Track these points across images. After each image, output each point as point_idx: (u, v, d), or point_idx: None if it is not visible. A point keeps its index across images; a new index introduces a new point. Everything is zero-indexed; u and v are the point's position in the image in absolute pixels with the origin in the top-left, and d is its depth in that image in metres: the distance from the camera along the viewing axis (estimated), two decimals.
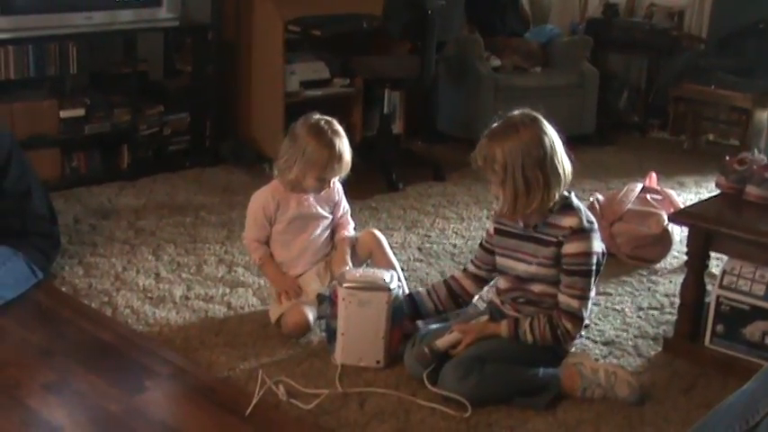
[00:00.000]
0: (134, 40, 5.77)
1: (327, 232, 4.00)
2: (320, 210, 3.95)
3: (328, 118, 3.89)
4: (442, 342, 3.44)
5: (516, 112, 3.36)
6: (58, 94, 5.53)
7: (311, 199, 3.92)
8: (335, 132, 3.83)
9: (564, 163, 3.32)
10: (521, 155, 3.24)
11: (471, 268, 3.67)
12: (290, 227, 3.91)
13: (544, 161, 3.26)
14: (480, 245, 3.67)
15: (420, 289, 3.88)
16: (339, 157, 3.78)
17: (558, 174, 3.29)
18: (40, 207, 4.30)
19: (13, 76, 5.30)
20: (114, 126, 5.71)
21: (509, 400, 3.31)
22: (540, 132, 3.29)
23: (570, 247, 3.33)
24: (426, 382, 3.36)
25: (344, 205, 4.06)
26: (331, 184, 3.88)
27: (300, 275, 3.92)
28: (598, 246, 3.37)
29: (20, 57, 5.28)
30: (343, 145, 3.81)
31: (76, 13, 5.37)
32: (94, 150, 5.70)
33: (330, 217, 4.01)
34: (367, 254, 3.96)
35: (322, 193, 3.92)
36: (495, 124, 3.36)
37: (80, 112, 5.55)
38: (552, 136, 3.31)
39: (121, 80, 5.83)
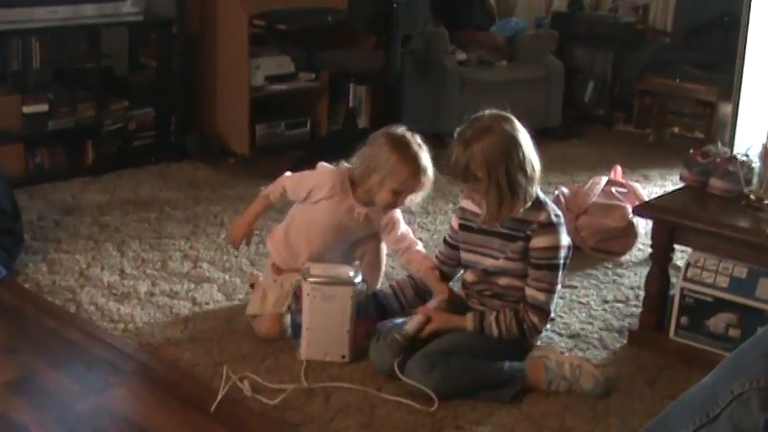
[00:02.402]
0: (98, 35, 5.73)
1: (354, 244, 3.89)
2: (366, 228, 3.83)
3: (412, 132, 3.72)
4: (410, 326, 3.45)
5: (485, 113, 3.33)
6: (21, 89, 5.50)
7: (365, 214, 3.76)
8: (420, 146, 3.66)
9: (536, 160, 3.31)
10: (502, 156, 3.22)
11: (436, 264, 3.67)
12: (324, 223, 3.77)
13: (524, 160, 3.25)
14: (444, 240, 3.67)
15: (384, 288, 3.84)
16: (424, 171, 3.63)
17: (535, 171, 3.29)
18: (4, 203, 4.26)
19: None
20: (78, 121, 5.67)
21: (475, 394, 3.31)
22: (515, 131, 3.28)
23: (538, 242, 3.34)
24: (396, 369, 3.35)
25: (403, 226, 3.88)
26: (404, 203, 3.73)
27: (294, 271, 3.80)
28: (565, 239, 3.38)
29: None
30: (428, 160, 3.65)
31: (40, 7, 5.32)
32: (58, 146, 5.66)
33: (371, 233, 3.88)
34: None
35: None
36: (464, 127, 3.31)
37: (43, 107, 5.51)
38: (525, 133, 3.30)
39: (85, 75, 5.79)
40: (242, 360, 3.54)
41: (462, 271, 3.61)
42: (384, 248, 3.94)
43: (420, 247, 3.85)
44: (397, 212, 3.83)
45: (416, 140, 3.67)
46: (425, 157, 3.64)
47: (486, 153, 3.22)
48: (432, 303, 3.58)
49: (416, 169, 3.62)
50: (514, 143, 3.25)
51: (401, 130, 3.72)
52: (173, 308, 3.99)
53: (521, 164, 3.24)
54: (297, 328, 3.60)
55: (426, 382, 3.27)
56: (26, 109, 5.45)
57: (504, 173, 3.22)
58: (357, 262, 3.88)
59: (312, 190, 3.74)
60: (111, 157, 5.86)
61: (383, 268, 3.98)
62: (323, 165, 3.83)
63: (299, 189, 3.79)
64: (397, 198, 3.67)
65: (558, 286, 3.43)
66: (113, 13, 5.65)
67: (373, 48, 6.18)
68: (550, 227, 3.34)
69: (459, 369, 3.31)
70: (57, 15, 5.39)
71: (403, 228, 3.87)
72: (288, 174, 3.88)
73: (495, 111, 3.34)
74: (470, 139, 3.26)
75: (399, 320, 3.60)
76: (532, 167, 3.28)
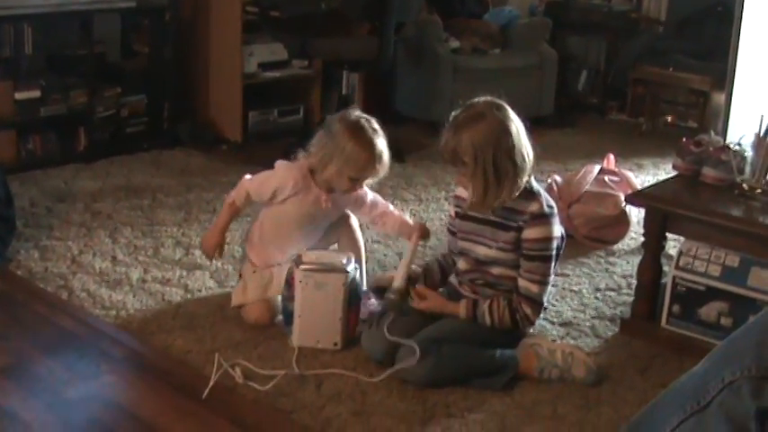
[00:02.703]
0: (91, 21, 5.72)
1: (327, 231, 3.91)
2: (336, 212, 3.85)
3: (367, 116, 3.72)
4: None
5: (479, 100, 3.32)
6: (13, 75, 5.48)
7: (331, 201, 3.77)
8: (375, 131, 3.66)
9: (529, 150, 3.30)
10: (491, 143, 3.21)
11: (446, 251, 3.68)
12: (294, 219, 3.78)
13: (513, 149, 3.24)
14: (447, 229, 3.66)
15: (416, 269, 3.74)
16: (380, 158, 3.63)
17: (525, 161, 3.28)
18: None
19: None
20: (71, 108, 5.67)
21: (467, 381, 3.31)
22: (507, 120, 3.27)
23: (530, 233, 3.32)
24: (386, 332, 3.36)
25: (370, 194, 3.91)
26: (363, 186, 3.77)
27: (274, 266, 3.83)
28: (558, 230, 3.37)
29: None
30: (384, 146, 3.65)
31: None
32: (50, 132, 5.65)
33: (344, 215, 3.92)
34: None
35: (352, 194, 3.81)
36: (458, 113, 3.31)
37: (35, 93, 5.50)
38: (518, 123, 3.29)
39: (78, 61, 5.78)
40: (234, 347, 3.53)
41: (457, 259, 3.61)
42: (357, 226, 3.95)
43: (392, 208, 3.93)
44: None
45: (372, 126, 3.67)
46: (381, 143, 3.64)
47: (474, 139, 3.21)
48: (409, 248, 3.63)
49: (372, 156, 3.62)
50: (505, 132, 3.24)
51: (356, 114, 3.72)
52: (165, 295, 3.98)
53: (509, 152, 3.23)
54: (289, 315, 3.59)
55: (419, 370, 3.27)
56: (18, 95, 5.44)
57: (491, 160, 3.21)
58: (335, 245, 3.89)
59: (276, 190, 3.73)
60: (103, 144, 5.86)
61: (362, 246, 3.97)
62: (281, 163, 3.81)
63: (262, 191, 3.77)
64: (355, 184, 3.70)
65: (551, 277, 3.42)
66: None
67: (367, 35, 6.17)
68: (543, 218, 3.33)
69: (451, 356, 3.31)
70: (49, 1, 5.37)
71: (370, 196, 3.91)
72: (248, 177, 3.84)
73: (489, 98, 3.33)
74: (461, 125, 3.26)
75: (378, 310, 3.58)
76: (523, 157, 3.26)
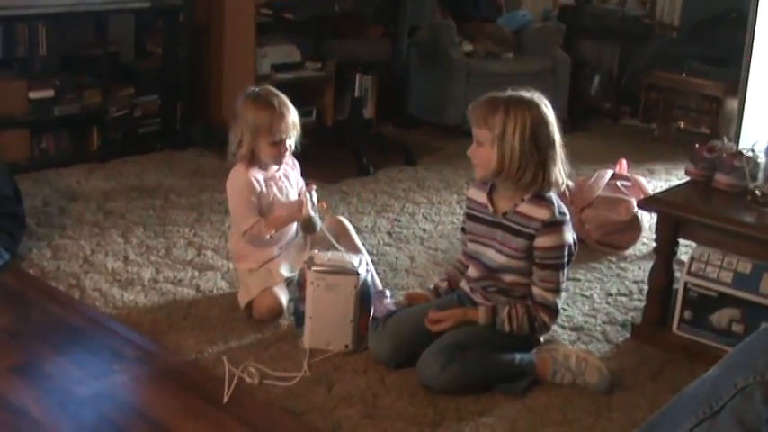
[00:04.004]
0: (105, 22, 5.76)
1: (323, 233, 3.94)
2: (294, 191, 3.93)
3: (266, 87, 3.91)
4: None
5: (532, 91, 3.31)
6: (27, 74, 5.51)
7: (285, 182, 3.88)
8: (271, 93, 3.83)
9: (563, 157, 3.31)
10: (529, 126, 3.19)
11: (461, 255, 3.67)
12: (269, 210, 3.86)
13: (550, 143, 3.25)
14: (462, 230, 3.64)
15: (443, 283, 3.72)
16: (280, 114, 3.75)
17: (558, 162, 3.28)
18: (3, 189, 4.26)
19: None
20: (84, 108, 5.69)
21: (490, 387, 3.31)
22: (550, 117, 3.27)
23: (542, 241, 3.30)
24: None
25: (300, 180, 4.01)
26: (288, 148, 3.82)
27: (273, 259, 3.89)
28: (570, 237, 3.35)
29: None
30: (283, 103, 3.79)
31: None
32: (64, 132, 5.67)
33: (339, 221, 4.03)
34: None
35: (287, 168, 3.90)
36: (507, 93, 3.29)
37: (49, 93, 5.52)
38: (555, 125, 3.29)
39: (92, 61, 5.80)
40: (245, 348, 3.54)
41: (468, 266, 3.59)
42: (352, 229, 4.04)
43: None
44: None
45: (266, 89, 3.87)
46: (279, 99, 3.79)
47: (510, 119, 3.20)
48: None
49: (273, 110, 3.75)
50: (544, 123, 3.24)
51: (251, 88, 3.91)
52: (176, 295, 3.99)
53: (538, 145, 3.22)
54: (300, 316, 3.60)
55: (444, 376, 3.25)
56: (32, 95, 5.45)
57: (518, 146, 3.19)
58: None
59: (253, 191, 3.80)
60: (116, 144, 5.87)
61: (362, 247, 3.99)
62: (229, 183, 3.87)
63: (250, 204, 3.81)
64: (278, 147, 3.78)
65: (564, 283, 3.42)
66: None
67: (380, 38, 6.16)
68: (555, 225, 3.31)
69: (475, 362, 3.30)
70: (64, 1, 5.39)
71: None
72: (242, 219, 3.86)
73: (540, 94, 3.33)
74: (506, 98, 3.26)
75: (394, 308, 3.59)
76: (551, 154, 3.26)
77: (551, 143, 3.26)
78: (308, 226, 3.82)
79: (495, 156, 3.24)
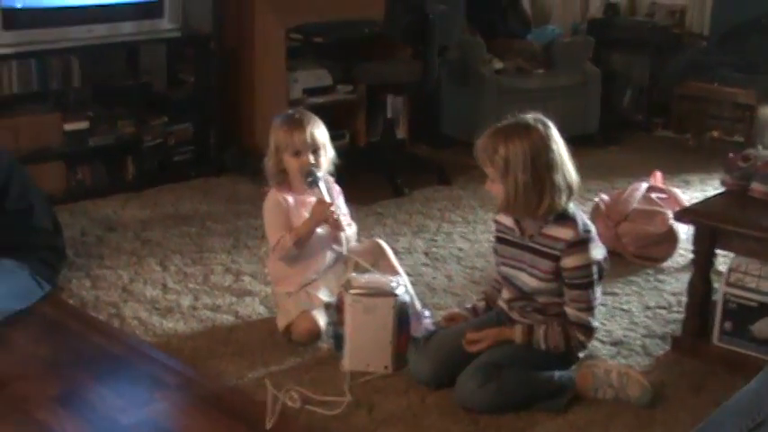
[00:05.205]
0: (136, 52, 5.79)
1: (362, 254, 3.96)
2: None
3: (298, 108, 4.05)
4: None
5: (528, 115, 3.31)
6: (62, 107, 5.55)
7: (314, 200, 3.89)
8: (300, 112, 3.96)
9: (570, 174, 3.28)
10: (528, 155, 3.19)
11: (497, 275, 3.67)
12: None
13: (552, 167, 3.23)
14: (494, 250, 3.64)
15: (480, 302, 3.74)
16: (300, 125, 3.82)
17: (561, 183, 3.25)
18: (43, 221, 4.29)
19: (16, 91, 5.31)
20: (118, 138, 5.73)
21: (529, 405, 3.30)
22: (549, 139, 3.25)
23: (569, 261, 3.29)
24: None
25: (344, 208, 4.02)
26: (311, 160, 3.84)
27: (311, 282, 3.90)
28: (597, 253, 3.33)
29: (23, 71, 5.30)
30: (306, 117, 3.89)
31: (78, 26, 5.39)
32: (99, 162, 5.71)
33: (376, 243, 4.02)
34: (371, 264, 3.90)
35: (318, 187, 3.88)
36: (504, 122, 3.31)
37: (84, 124, 5.57)
38: (560, 144, 3.27)
39: (125, 92, 5.83)
40: (285, 372, 3.55)
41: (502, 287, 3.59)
42: (390, 250, 4.01)
43: (353, 228, 4.03)
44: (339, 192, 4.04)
45: (299, 110, 4.01)
46: (300, 113, 3.94)
47: (511, 149, 3.20)
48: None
49: (292, 122, 3.85)
50: (546, 148, 3.22)
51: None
52: (215, 321, 4.01)
53: (547, 169, 3.21)
54: (339, 339, 3.61)
55: (482, 396, 3.25)
56: (67, 126, 5.50)
57: (521, 170, 3.19)
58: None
59: (282, 210, 3.87)
60: (151, 173, 5.91)
61: (400, 268, 3.96)
62: (263, 206, 3.95)
63: (281, 223, 3.87)
64: (300, 156, 3.84)
65: (597, 300, 3.40)
66: (151, 29, 5.72)
67: (410, 58, 6.18)
68: (579, 244, 3.29)
69: (513, 381, 3.30)
70: (96, 34, 5.44)
71: (343, 208, 4.03)
72: (271, 237, 3.92)
73: (538, 114, 3.32)
74: (503, 132, 3.26)
75: (433, 328, 3.59)
76: (558, 175, 3.24)
77: (554, 165, 3.24)
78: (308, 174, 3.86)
79: (502, 191, 3.26)
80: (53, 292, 4.22)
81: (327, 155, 3.90)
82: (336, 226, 3.83)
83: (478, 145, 3.31)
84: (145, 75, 5.97)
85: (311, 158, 3.83)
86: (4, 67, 5.22)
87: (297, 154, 3.82)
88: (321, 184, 3.82)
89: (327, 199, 3.81)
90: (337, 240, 3.92)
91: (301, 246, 3.83)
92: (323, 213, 3.80)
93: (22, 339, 3.85)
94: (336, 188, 4.01)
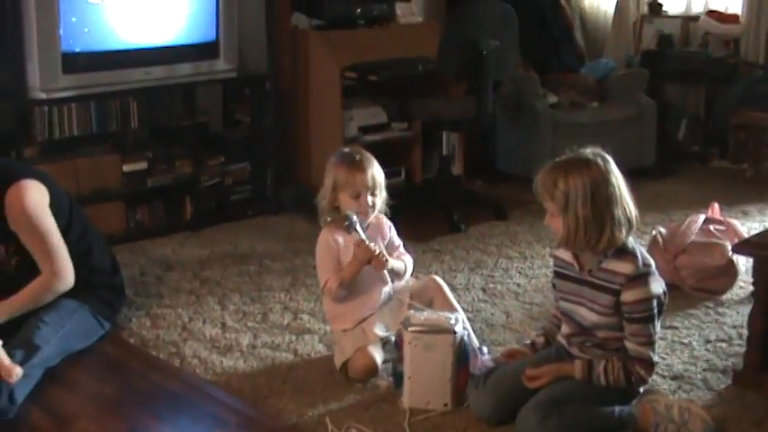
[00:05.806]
0: (193, 93, 5.85)
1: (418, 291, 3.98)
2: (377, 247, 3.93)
3: (354, 147, 4.04)
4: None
5: (587, 149, 3.32)
6: (121, 148, 5.63)
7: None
8: (355, 150, 3.97)
9: (629, 208, 3.27)
10: (588, 190, 3.19)
11: (555, 310, 3.65)
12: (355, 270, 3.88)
13: (609, 202, 3.22)
14: (553, 285, 3.63)
15: (539, 338, 3.71)
16: (360, 167, 3.83)
17: (621, 217, 3.24)
18: (102, 262, 4.33)
19: (76, 133, 5.40)
20: (176, 178, 5.79)
21: None
22: (608, 173, 3.25)
23: (629, 295, 3.27)
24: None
25: (397, 241, 4.06)
26: (370, 202, 3.86)
27: (366, 318, 3.92)
28: (657, 287, 3.31)
29: (82, 114, 5.39)
30: (365, 158, 3.89)
31: (135, 68, 5.48)
32: (157, 202, 5.78)
33: (432, 280, 4.04)
34: (428, 300, 3.92)
35: (370, 221, 3.92)
36: (564, 156, 3.32)
37: (142, 165, 5.64)
38: (619, 179, 3.26)
39: (182, 132, 5.90)
40: (345, 410, 3.56)
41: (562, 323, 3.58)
42: (445, 285, 4.02)
43: (409, 261, 4.10)
44: (390, 227, 4.07)
45: (356, 149, 4.00)
46: (360, 153, 3.91)
47: (571, 184, 3.20)
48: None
49: (351, 164, 3.85)
50: (605, 182, 3.22)
51: (342, 150, 4.04)
52: (275, 359, 4.02)
53: (607, 203, 3.21)
54: (399, 376, 3.61)
55: (543, 431, 3.25)
56: (126, 167, 5.58)
57: (581, 204, 3.19)
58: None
59: (332, 250, 3.89)
60: (209, 212, 5.96)
61: (456, 303, 3.98)
62: (317, 248, 3.96)
63: (331, 264, 3.90)
64: (358, 199, 3.85)
65: (658, 334, 3.37)
66: (207, 70, 5.79)
67: (464, 95, 6.20)
68: (639, 278, 3.27)
69: (573, 416, 3.27)
70: (153, 76, 5.52)
71: (397, 241, 4.10)
72: (321, 278, 3.95)
73: (597, 149, 3.32)
74: (563, 167, 3.26)
75: (492, 365, 3.58)
76: (618, 210, 3.23)
77: (614, 199, 3.23)
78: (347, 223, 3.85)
79: (563, 226, 3.26)
80: (113, 331, 4.26)
81: (382, 195, 3.92)
82: (378, 265, 3.84)
83: (538, 180, 3.31)
84: (201, 115, 6.04)
85: (369, 200, 3.85)
86: (64, 109, 5.31)
87: (357, 196, 3.84)
88: (358, 227, 3.82)
89: (365, 240, 3.83)
90: (383, 279, 3.94)
91: (346, 287, 3.86)
92: (364, 254, 3.81)
93: (84, 378, 3.89)
94: (387, 223, 4.03)
